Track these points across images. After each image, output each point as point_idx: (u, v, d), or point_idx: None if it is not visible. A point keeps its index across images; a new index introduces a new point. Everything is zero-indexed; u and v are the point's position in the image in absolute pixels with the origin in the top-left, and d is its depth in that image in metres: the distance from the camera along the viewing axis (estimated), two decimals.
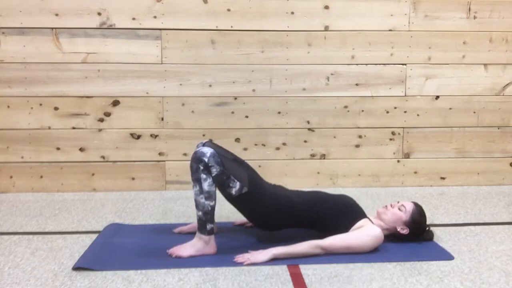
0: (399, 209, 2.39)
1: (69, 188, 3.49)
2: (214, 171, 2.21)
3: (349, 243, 2.26)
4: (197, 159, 2.21)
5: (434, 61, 3.55)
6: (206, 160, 2.19)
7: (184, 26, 3.39)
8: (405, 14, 3.48)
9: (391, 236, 2.42)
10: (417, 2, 3.47)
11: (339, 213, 2.36)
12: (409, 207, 2.40)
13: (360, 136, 3.60)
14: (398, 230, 2.39)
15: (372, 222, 2.36)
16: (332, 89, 3.52)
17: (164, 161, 3.52)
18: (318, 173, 3.59)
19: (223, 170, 2.22)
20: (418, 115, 3.60)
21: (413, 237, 2.41)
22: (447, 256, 2.30)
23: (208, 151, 2.22)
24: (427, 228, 2.46)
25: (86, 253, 2.31)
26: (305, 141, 3.57)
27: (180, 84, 3.45)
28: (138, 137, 3.48)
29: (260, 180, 2.43)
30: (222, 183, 2.25)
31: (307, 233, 2.41)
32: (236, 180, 2.25)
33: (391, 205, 2.43)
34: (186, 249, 2.27)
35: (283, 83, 3.49)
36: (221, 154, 2.28)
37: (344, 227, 2.32)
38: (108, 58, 3.39)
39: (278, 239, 2.41)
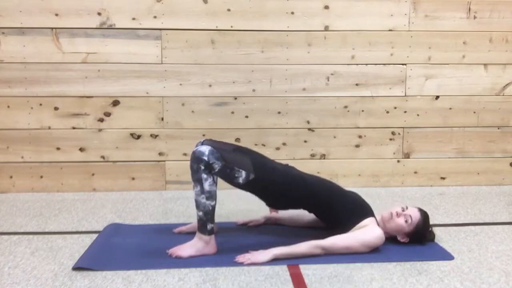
0: (405, 221, 2.34)
1: (69, 188, 3.49)
2: (216, 167, 2.21)
3: (350, 244, 2.26)
4: (196, 159, 2.21)
5: (434, 61, 3.55)
6: (206, 158, 2.19)
7: (184, 26, 3.39)
8: (405, 14, 3.48)
9: (391, 239, 2.41)
10: (417, 2, 3.47)
11: (347, 205, 2.37)
12: (415, 219, 2.35)
13: (360, 136, 3.60)
14: (398, 239, 2.39)
15: (377, 223, 2.36)
16: (332, 89, 3.52)
17: (164, 161, 3.52)
18: (318, 173, 3.58)
19: (224, 164, 2.22)
20: (418, 115, 3.60)
21: (413, 242, 2.41)
22: (447, 256, 2.30)
23: (206, 149, 2.22)
24: (429, 229, 2.46)
25: (86, 253, 2.31)
26: (305, 141, 3.57)
27: (180, 84, 3.45)
28: (138, 137, 3.48)
29: (268, 162, 2.42)
30: (227, 176, 2.26)
31: (307, 233, 2.41)
32: (240, 170, 2.25)
33: (397, 213, 2.36)
34: (186, 249, 2.27)
35: (283, 83, 3.49)
36: (220, 148, 2.28)
37: (348, 222, 2.32)
38: (108, 58, 3.39)
39: (278, 239, 2.41)
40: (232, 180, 2.28)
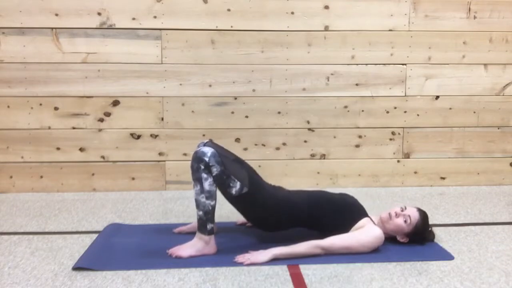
0: (404, 221, 2.34)
1: (69, 188, 3.49)
2: (215, 170, 2.21)
3: (350, 244, 2.26)
4: (197, 158, 2.21)
5: (434, 61, 3.55)
6: (206, 159, 2.19)
7: (184, 26, 3.39)
8: (405, 14, 3.48)
9: (390, 239, 2.41)
10: (417, 2, 3.47)
11: (339, 213, 2.36)
12: (414, 219, 2.34)
13: (360, 136, 3.60)
14: (398, 239, 2.39)
15: (374, 222, 2.36)
16: (332, 89, 3.52)
17: (164, 161, 3.52)
18: (318, 173, 3.59)
19: (223, 169, 2.22)
20: (418, 115, 3.60)
21: (413, 242, 2.41)
22: (447, 256, 2.30)
23: (208, 150, 2.22)
24: (429, 229, 2.46)
25: (86, 253, 2.31)
26: (305, 141, 3.57)
27: (180, 84, 3.45)
28: (138, 137, 3.48)
29: (261, 181, 2.42)
30: (222, 183, 2.25)
31: (307, 233, 2.41)
32: (236, 180, 2.25)
33: (396, 214, 2.35)
34: (186, 249, 2.27)
35: (283, 83, 3.49)
36: (222, 154, 2.28)
37: (344, 227, 2.32)
38: (108, 58, 3.39)
39: (278, 239, 2.41)
40: (226, 189, 2.26)
